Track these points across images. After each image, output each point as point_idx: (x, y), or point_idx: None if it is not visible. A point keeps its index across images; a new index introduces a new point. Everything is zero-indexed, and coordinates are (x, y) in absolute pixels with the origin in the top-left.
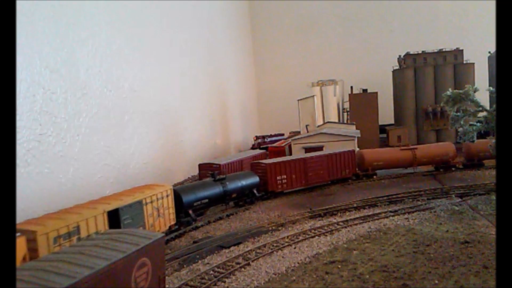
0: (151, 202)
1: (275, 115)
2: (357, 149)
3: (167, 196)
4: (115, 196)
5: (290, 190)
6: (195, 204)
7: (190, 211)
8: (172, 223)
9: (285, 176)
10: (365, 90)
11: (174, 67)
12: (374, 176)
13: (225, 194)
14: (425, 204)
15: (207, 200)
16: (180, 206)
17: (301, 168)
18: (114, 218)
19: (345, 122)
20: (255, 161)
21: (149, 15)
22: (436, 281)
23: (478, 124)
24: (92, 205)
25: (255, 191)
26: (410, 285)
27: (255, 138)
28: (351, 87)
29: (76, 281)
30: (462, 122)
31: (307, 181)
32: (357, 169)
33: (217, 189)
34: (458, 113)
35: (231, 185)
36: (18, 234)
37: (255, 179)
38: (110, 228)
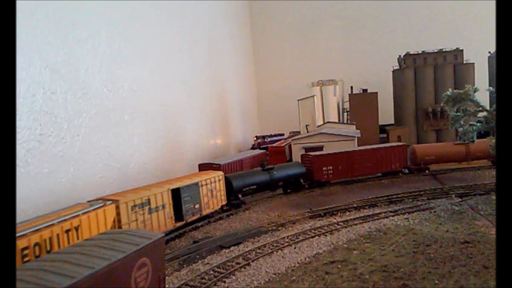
0: (206, 184)
1: (275, 115)
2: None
3: (219, 181)
4: (178, 179)
5: (336, 180)
6: (244, 189)
7: (239, 195)
8: (223, 203)
9: (331, 167)
10: (365, 90)
11: (174, 67)
12: (427, 171)
13: (272, 182)
14: (425, 204)
15: (255, 186)
16: (231, 190)
17: (347, 161)
18: (176, 195)
19: (345, 122)
20: (304, 153)
21: (149, 15)
22: (436, 281)
23: (478, 124)
24: (160, 184)
25: (301, 180)
26: (410, 285)
27: (255, 138)
28: (351, 87)
29: (76, 281)
30: (462, 122)
31: (353, 172)
32: (409, 163)
33: (264, 177)
34: (458, 113)
35: (278, 174)
36: (109, 202)
37: (301, 169)
38: (174, 201)
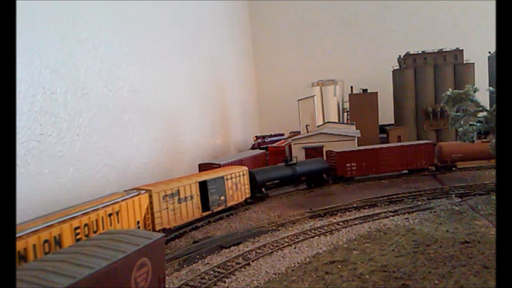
0: (231, 178)
1: (275, 115)
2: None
3: (244, 175)
4: (205, 173)
5: (359, 176)
6: (267, 183)
7: (263, 189)
8: (248, 196)
9: (355, 164)
10: (365, 90)
11: (174, 67)
12: (454, 168)
13: (294, 176)
14: (425, 204)
15: (277, 181)
16: (255, 184)
17: (372, 158)
18: (203, 187)
19: (345, 122)
20: (329, 150)
21: (149, 15)
22: (436, 281)
23: (478, 124)
24: (189, 177)
25: (324, 176)
26: (410, 285)
27: (255, 138)
28: (351, 87)
29: (76, 281)
30: (462, 122)
31: (378, 169)
32: (435, 161)
33: (287, 172)
34: (458, 113)
35: (301, 169)
36: (143, 191)
37: (324, 165)
38: (201, 192)
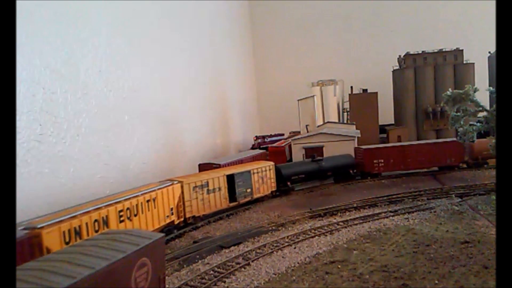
0: (257, 172)
1: (275, 115)
2: None
3: (270, 169)
4: (232, 167)
5: (387, 173)
6: (292, 177)
7: (288, 183)
8: (273, 189)
9: (382, 160)
10: (365, 90)
11: (174, 67)
12: (485, 165)
13: (320, 171)
14: (425, 204)
15: (303, 175)
16: (280, 178)
17: (399, 154)
18: (231, 180)
19: (345, 122)
20: (357, 146)
21: (149, 15)
22: (436, 281)
23: (478, 124)
24: (217, 171)
25: (351, 171)
26: (410, 285)
27: (255, 138)
28: (351, 87)
29: (76, 281)
30: (462, 122)
31: (406, 166)
32: (466, 158)
33: (312, 167)
34: (458, 113)
35: (327, 164)
36: (175, 182)
37: (351, 160)
38: (228, 185)
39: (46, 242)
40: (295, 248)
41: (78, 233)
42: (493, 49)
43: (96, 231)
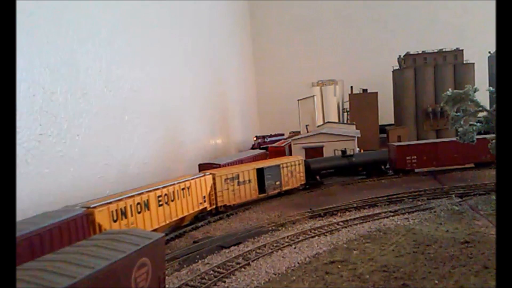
0: (286, 167)
1: (275, 115)
2: None
3: (299, 164)
4: (262, 161)
5: (420, 169)
6: (321, 171)
7: (317, 177)
8: (302, 182)
9: (415, 157)
10: (365, 90)
11: (174, 67)
12: None
13: (350, 166)
14: (425, 204)
15: (332, 170)
16: (309, 172)
17: (433, 151)
18: (261, 173)
19: (345, 122)
20: (390, 143)
21: (149, 15)
22: (436, 281)
23: (478, 124)
24: (247, 165)
25: (383, 167)
26: (410, 285)
27: (255, 138)
28: (351, 87)
29: (76, 281)
30: (462, 122)
31: (439, 162)
32: None
33: (342, 162)
34: (458, 113)
35: (357, 160)
36: (207, 173)
37: (383, 157)
38: (258, 178)
39: (98, 219)
40: (295, 248)
41: (123, 213)
42: (493, 49)
43: (139, 212)
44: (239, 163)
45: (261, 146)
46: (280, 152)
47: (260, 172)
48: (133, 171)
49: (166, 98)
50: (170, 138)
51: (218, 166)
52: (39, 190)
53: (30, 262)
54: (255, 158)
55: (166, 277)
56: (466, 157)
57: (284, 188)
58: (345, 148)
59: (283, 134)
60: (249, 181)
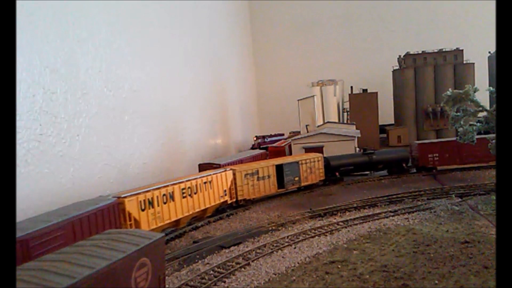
0: (306, 163)
1: (275, 115)
2: None
3: (318, 161)
4: (281, 158)
5: (442, 167)
6: (341, 168)
7: (337, 173)
8: (322, 178)
9: (437, 154)
10: (365, 90)
11: (174, 67)
12: None
13: (370, 164)
14: (425, 204)
15: (352, 167)
16: (329, 168)
17: (455, 149)
18: (280, 170)
19: (345, 122)
20: (412, 142)
21: (149, 15)
22: (436, 281)
23: (478, 124)
24: (267, 161)
25: (404, 165)
26: (410, 285)
27: (255, 138)
28: (351, 87)
29: (76, 281)
30: (462, 122)
31: (462, 160)
32: None
33: (362, 159)
34: (458, 113)
35: (378, 157)
36: (228, 169)
37: (404, 155)
38: (277, 173)
39: (128, 208)
40: (295, 248)
41: (150, 203)
42: (493, 49)
43: (165, 203)
44: (239, 163)
45: (261, 146)
46: (280, 152)
47: (279, 168)
48: (133, 171)
49: (166, 98)
50: (170, 138)
51: (218, 166)
52: (39, 190)
53: (30, 262)
54: (255, 158)
55: (166, 277)
56: (489, 155)
57: (303, 184)
58: (366, 147)
59: (283, 134)
60: (268, 176)
